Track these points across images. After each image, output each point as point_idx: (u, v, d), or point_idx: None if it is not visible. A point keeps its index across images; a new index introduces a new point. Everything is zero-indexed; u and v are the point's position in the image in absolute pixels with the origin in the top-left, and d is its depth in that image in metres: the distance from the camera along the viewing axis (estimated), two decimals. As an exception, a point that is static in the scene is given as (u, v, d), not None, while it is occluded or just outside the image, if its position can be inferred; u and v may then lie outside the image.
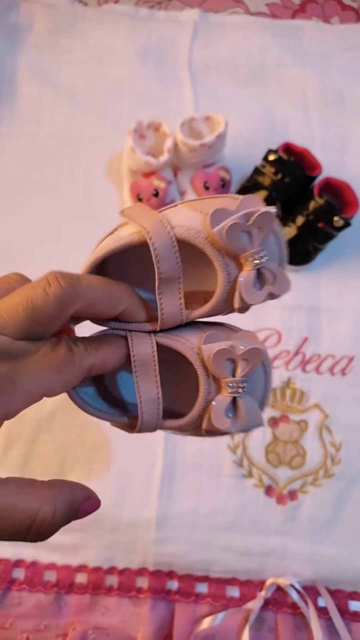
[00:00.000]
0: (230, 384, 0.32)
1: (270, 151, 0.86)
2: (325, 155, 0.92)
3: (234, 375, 0.32)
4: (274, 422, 0.82)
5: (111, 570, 0.76)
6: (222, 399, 0.32)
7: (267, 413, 0.82)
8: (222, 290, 0.32)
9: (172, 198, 0.89)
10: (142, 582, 0.75)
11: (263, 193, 0.86)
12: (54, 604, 0.74)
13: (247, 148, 0.94)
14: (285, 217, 0.86)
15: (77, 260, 0.87)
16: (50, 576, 0.75)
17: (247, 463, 0.80)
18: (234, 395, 0.32)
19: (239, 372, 0.32)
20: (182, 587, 0.75)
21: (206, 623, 0.72)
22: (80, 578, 0.75)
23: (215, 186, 0.87)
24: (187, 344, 0.33)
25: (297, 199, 0.86)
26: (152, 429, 0.35)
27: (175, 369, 0.36)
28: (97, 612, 0.74)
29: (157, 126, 0.87)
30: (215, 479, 0.79)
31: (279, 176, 0.84)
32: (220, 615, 0.73)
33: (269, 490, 0.79)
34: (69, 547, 0.76)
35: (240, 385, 0.32)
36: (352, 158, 0.96)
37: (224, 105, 0.97)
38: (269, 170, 0.85)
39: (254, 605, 0.74)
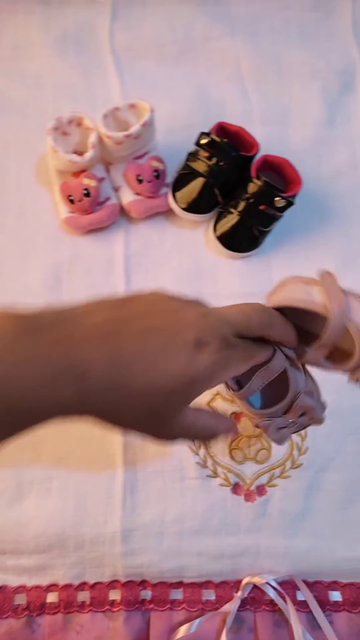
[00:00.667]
0: None
1: (202, 134, 0.81)
2: (267, 130, 0.88)
3: None
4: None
5: (82, 586, 0.74)
6: None
7: (228, 409, 0.78)
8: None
9: (107, 196, 0.84)
10: (115, 595, 0.74)
11: (200, 180, 0.81)
12: (27, 627, 0.73)
13: (182, 132, 0.89)
14: (226, 204, 0.82)
15: (12, 271, 0.83)
16: (21, 599, 0.73)
17: (211, 463, 0.77)
18: None
19: None
20: (156, 596, 0.74)
21: (182, 631, 0.71)
22: (51, 597, 0.73)
23: (149, 178, 0.82)
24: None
25: (238, 181, 0.81)
26: None
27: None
28: (71, 630, 0.73)
29: (79, 121, 0.82)
30: (179, 483, 0.76)
31: (214, 160, 0.80)
32: (196, 622, 0.71)
33: (236, 488, 0.76)
34: (35, 569, 0.74)
35: None
36: (295, 129, 0.91)
37: (153, 89, 0.92)
38: (203, 154, 0.80)
39: (231, 607, 0.72)
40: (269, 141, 0.86)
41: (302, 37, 0.97)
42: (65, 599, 0.73)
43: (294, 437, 0.78)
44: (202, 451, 0.77)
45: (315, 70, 0.95)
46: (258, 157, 0.82)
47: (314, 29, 0.97)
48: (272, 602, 0.73)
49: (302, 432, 0.78)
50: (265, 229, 0.82)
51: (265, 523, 0.76)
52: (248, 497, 0.77)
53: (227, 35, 0.95)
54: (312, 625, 0.73)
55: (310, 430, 0.78)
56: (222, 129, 0.84)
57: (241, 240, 0.83)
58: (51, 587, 0.74)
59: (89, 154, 0.79)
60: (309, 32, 0.97)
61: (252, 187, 0.78)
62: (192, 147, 0.84)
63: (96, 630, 0.73)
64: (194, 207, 0.83)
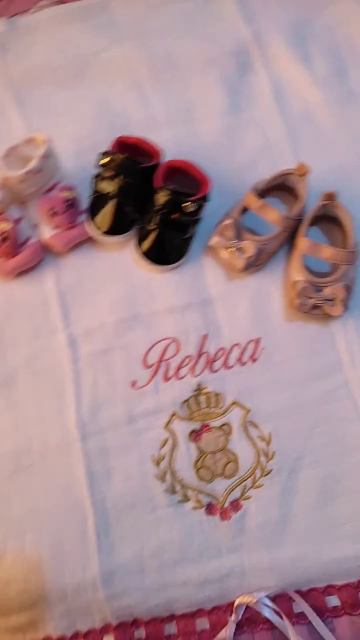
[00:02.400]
0: None
1: (101, 154, 0.75)
2: (174, 130, 0.82)
3: None
4: (195, 435, 0.73)
5: (76, 635, 0.69)
6: None
7: (186, 428, 0.74)
8: None
9: (27, 235, 0.79)
10: (109, 639, 0.70)
11: (112, 201, 0.76)
12: None
13: (91, 154, 0.82)
14: (142, 219, 0.76)
15: None
16: (20, 658, 0.70)
17: (179, 487, 0.72)
18: None
19: None
20: (150, 634, 0.68)
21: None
22: (48, 651, 0.70)
23: (62, 210, 0.77)
24: None
25: (148, 194, 0.75)
26: None
27: None
28: None
29: (-21, 166, 0.77)
30: (151, 515, 0.71)
31: (119, 178, 0.74)
32: (193, 654, 0.67)
33: (210, 509, 0.71)
34: (27, 626, 0.69)
35: None
36: (202, 123, 0.84)
37: (56, 116, 0.86)
38: (107, 174, 0.75)
39: (226, 633, 0.67)
40: (179, 141, 0.79)
41: (189, 27, 0.89)
42: None
43: (259, 442, 0.73)
44: (168, 476, 0.73)
45: (210, 57, 0.87)
46: (162, 164, 0.76)
47: (200, 17, 0.89)
48: (269, 620, 0.69)
49: (266, 435, 0.73)
50: (185, 236, 0.76)
51: (245, 540, 0.69)
52: (223, 515, 0.71)
53: (115, 44, 0.88)
54: (314, 636, 0.67)
55: (274, 432, 0.73)
56: (122, 144, 0.76)
57: (167, 252, 0.76)
58: None
59: (-5, 198, 0.75)
60: (195, 21, 0.89)
61: (160, 199, 0.71)
62: (96, 170, 0.79)
63: None
64: (113, 229, 0.76)
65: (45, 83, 0.89)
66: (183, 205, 0.70)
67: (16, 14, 0.95)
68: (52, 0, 0.94)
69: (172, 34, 0.88)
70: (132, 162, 0.73)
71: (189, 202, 0.70)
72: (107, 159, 0.74)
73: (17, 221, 0.78)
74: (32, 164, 0.74)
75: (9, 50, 0.91)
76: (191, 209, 0.70)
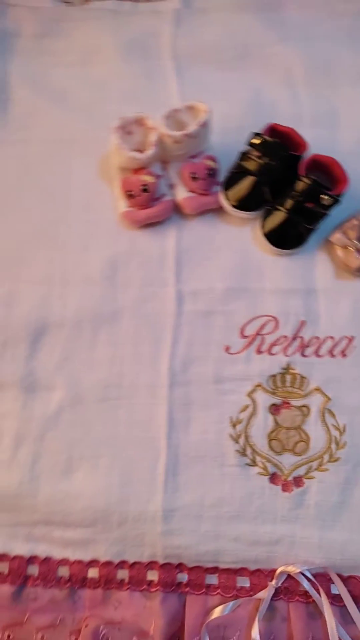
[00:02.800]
0: None
1: (254, 134, 0.81)
2: (316, 132, 0.87)
3: None
4: (275, 408, 0.78)
5: (122, 564, 0.74)
6: None
7: (268, 400, 0.78)
8: None
9: (162, 192, 0.86)
10: (153, 576, 0.73)
11: (250, 178, 0.81)
12: (69, 598, 0.74)
13: (235, 133, 0.89)
14: (275, 202, 0.82)
15: (75, 261, 0.86)
16: (64, 572, 0.74)
17: (250, 452, 0.77)
18: None
19: None
20: (192, 580, 0.73)
21: (217, 612, 0.70)
22: (92, 573, 0.74)
23: (203, 176, 0.83)
24: None
25: (285, 181, 0.81)
26: None
27: None
28: (110, 605, 0.73)
29: (142, 121, 0.84)
30: (219, 469, 0.76)
31: (265, 159, 0.80)
32: (231, 604, 0.71)
33: (273, 478, 0.76)
34: (79, 543, 0.75)
35: None
36: (343, 131, 0.90)
37: (210, 92, 0.91)
38: (254, 154, 0.80)
39: (265, 594, 0.71)
40: (318, 143, 0.84)
41: (351, 42, 0.95)
42: (105, 575, 0.73)
43: (333, 430, 0.77)
44: (242, 439, 0.78)
45: None
46: (307, 156, 0.82)
47: None
48: (305, 594, 0.71)
49: (341, 425, 0.77)
50: (311, 227, 0.80)
51: (301, 514, 0.74)
52: (285, 487, 0.76)
53: (281, 42, 0.95)
54: (346, 620, 0.70)
55: (349, 425, 0.77)
56: (274, 130, 0.83)
57: (287, 237, 0.82)
58: (92, 562, 0.74)
59: (149, 152, 0.80)
60: (358, 37, 0.96)
61: (300, 185, 0.77)
62: (244, 148, 0.86)
63: (134, 607, 0.72)
64: (243, 204, 0.82)
65: (208, 61, 0.96)
66: (321, 196, 0.75)
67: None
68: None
69: (333, 43, 0.94)
70: (281, 148, 0.79)
71: (327, 195, 0.75)
72: (258, 140, 0.80)
73: (157, 177, 0.84)
74: (191, 129, 0.80)
75: (181, 25, 0.98)
76: (327, 202, 0.76)
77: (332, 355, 0.80)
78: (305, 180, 0.76)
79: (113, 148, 0.83)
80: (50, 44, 1.00)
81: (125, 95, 0.95)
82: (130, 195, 0.84)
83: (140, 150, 0.84)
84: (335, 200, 0.76)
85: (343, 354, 0.80)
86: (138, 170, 0.84)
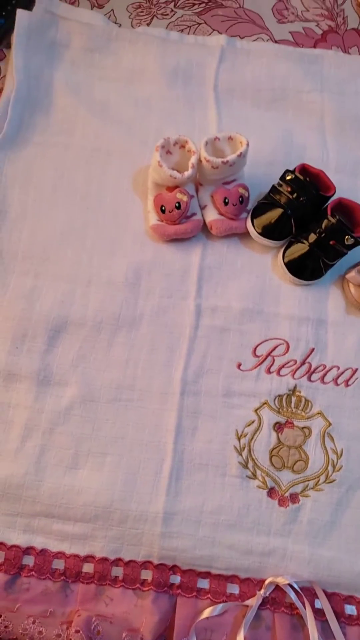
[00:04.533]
0: None
1: (287, 171, 0.92)
2: (339, 178, 0.97)
3: None
4: (279, 427, 0.86)
5: (117, 561, 0.79)
6: None
7: (273, 418, 0.87)
8: None
9: (193, 211, 0.94)
10: (147, 575, 0.78)
11: (279, 210, 0.91)
12: (61, 591, 0.77)
13: (265, 167, 0.99)
14: (299, 234, 0.92)
15: (101, 264, 0.93)
16: (59, 564, 0.78)
17: (252, 465, 0.84)
18: None
19: None
20: (184, 582, 0.78)
21: (206, 612, 0.75)
22: (87, 568, 0.78)
23: (234, 202, 0.93)
24: None
25: (311, 217, 0.90)
26: None
27: None
28: (101, 601, 0.77)
29: (183, 143, 0.92)
30: (220, 479, 0.82)
31: (295, 195, 0.90)
32: (220, 606, 0.76)
33: (271, 492, 0.83)
34: (77, 537, 0.79)
35: None
36: (364, 181, 1.02)
37: (245, 126, 1.02)
38: (286, 189, 0.91)
39: (253, 602, 0.78)
40: (341, 187, 0.94)
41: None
42: (100, 571, 0.77)
43: (331, 454, 0.86)
44: (245, 452, 0.85)
45: None
46: (333, 198, 0.93)
47: None
48: (291, 606, 0.77)
49: (338, 450, 0.86)
50: (330, 263, 0.90)
51: (294, 529, 0.80)
52: (282, 502, 0.83)
53: (317, 92, 1.06)
54: (327, 634, 0.75)
55: (346, 450, 0.85)
56: (304, 170, 0.92)
57: (306, 269, 0.90)
58: (88, 557, 0.78)
59: (188, 173, 0.89)
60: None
61: (326, 223, 0.86)
62: (273, 181, 0.93)
63: (125, 605, 0.76)
64: (269, 233, 0.91)
65: (246, 97, 1.06)
66: (346, 237, 0.86)
67: (235, 36, 1.14)
68: (269, 37, 1.14)
69: (366, 101, 1.07)
70: (312, 186, 0.89)
71: (351, 236, 0.86)
72: (292, 176, 0.90)
73: (190, 197, 0.93)
74: (230, 158, 0.89)
75: (224, 61, 1.09)
76: (349, 242, 0.86)
77: (336, 384, 0.89)
78: (332, 219, 0.87)
79: (153, 164, 0.92)
80: (97, 59, 1.09)
81: (165, 116, 1.04)
82: (162, 210, 0.93)
83: (177, 170, 0.93)
84: (357, 242, 0.87)
85: (346, 383, 0.89)
86: (172, 188, 0.93)
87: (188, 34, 1.15)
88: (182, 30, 1.15)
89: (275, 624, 0.77)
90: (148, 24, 1.15)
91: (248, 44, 1.12)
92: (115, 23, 1.15)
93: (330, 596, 0.79)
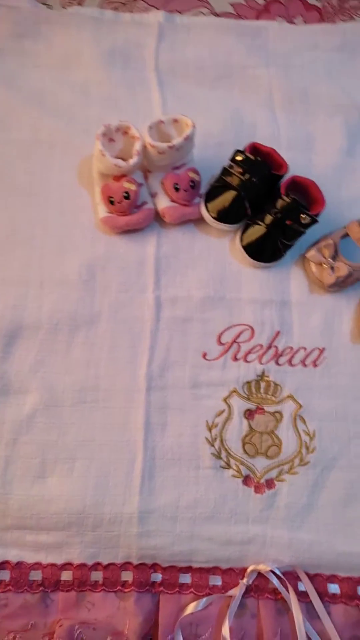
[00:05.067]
0: None
1: (237, 151, 0.93)
2: (292, 154, 1.00)
3: None
4: (249, 413, 0.88)
5: (96, 566, 0.81)
6: None
7: (243, 405, 0.88)
8: None
9: (143, 200, 0.95)
10: (127, 576, 0.81)
11: (232, 193, 0.93)
12: (41, 602, 0.79)
13: (215, 149, 1.01)
14: (255, 216, 0.93)
15: (52, 263, 0.93)
16: (36, 576, 0.80)
17: (225, 455, 0.86)
18: None
19: None
20: (165, 579, 0.81)
21: (190, 608, 0.78)
22: (66, 575, 0.80)
23: (185, 187, 0.93)
24: None
25: (265, 197, 0.93)
26: None
27: None
28: (83, 608, 0.79)
29: (126, 129, 0.93)
30: (194, 471, 0.85)
31: (247, 176, 0.91)
32: (204, 600, 0.79)
33: (247, 480, 0.85)
34: (53, 546, 0.81)
35: None
36: (317, 156, 1.04)
37: (191, 107, 1.03)
38: (237, 170, 0.92)
39: (236, 592, 0.80)
40: (294, 165, 0.97)
41: (329, 74, 1.10)
42: (79, 578, 0.80)
43: (303, 436, 0.88)
44: (217, 442, 0.87)
45: (339, 104, 1.08)
46: (287, 177, 0.94)
47: (340, 68, 1.11)
48: (274, 591, 0.81)
49: (311, 431, 0.88)
50: (288, 243, 0.92)
51: (272, 515, 0.84)
52: (257, 489, 0.86)
53: (262, 66, 1.08)
54: (312, 615, 0.80)
55: (318, 431, 0.88)
56: (255, 149, 0.95)
57: (265, 251, 0.93)
58: (66, 565, 0.80)
59: (133, 160, 0.90)
60: (335, 70, 1.11)
61: (281, 203, 0.89)
62: (224, 163, 0.95)
63: (107, 609, 0.79)
64: (224, 217, 0.94)
65: (189, 77, 1.08)
66: (301, 215, 0.87)
67: (173, 11, 1.13)
68: (210, 10, 1.13)
69: (313, 74, 1.09)
70: (264, 166, 0.91)
71: (306, 215, 0.87)
72: (242, 157, 0.91)
73: (139, 185, 0.93)
74: (176, 141, 0.90)
75: (164, 39, 1.10)
76: (306, 221, 0.88)
77: (304, 365, 0.91)
78: (286, 199, 0.88)
79: (96, 154, 0.91)
80: (28, 45, 1.08)
81: (106, 102, 1.05)
82: (111, 202, 0.92)
83: (122, 158, 0.93)
84: (314, 220, 0.88)
85: (314, 364, 0.91)
86: (119, 177, 0.93)
87: (123, 12, 1.13)
88: (116, 8, 1.14)
89: (260, 611, 0.81)
90: (80, 3, 1.13)
91: (188, 19, 1.13)
92: (44, 4, 1.12)
93: (313, 577, 0.83)
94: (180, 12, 1.14)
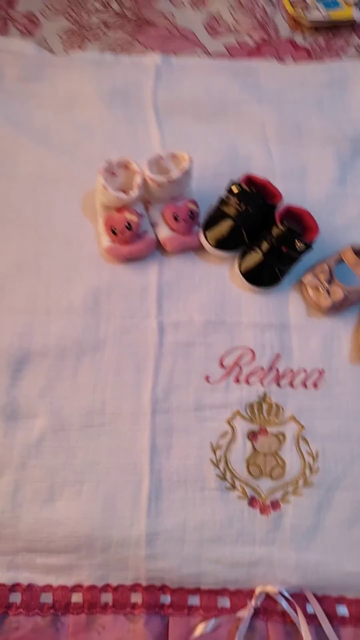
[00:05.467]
0: None
1: (233, 183, 0.98)
2: (286, 184, 1.05)
3: None
4: (253, 435, 0.91)
5: (105, 587, 0.82)
6: None
7: (246, 427, 0.91)
8: None
9: (144, 230, 0.99)
10: (136, 598, 0.82)
11: (229, 222, 0.97)
12: (51, 625, 0.80)
13: (212, 180, 1.06)
14: (252, 243, 0.98)
15: (58, 292, 0.97)
16: (47, 598, 0.81)
17: (230, 476, 0.88)
18: None
19: None
20: (174, 601, 0.82)
21: (199, 630, 0.79)
22: (76, 598, 0.81)
23: (185, 217, 0.98)
24: None
25: (261, 226, 0.97)
26: None
27: None
28: (94, 631, 0.80)
29: (126, 164, 0.98)
30: (200, 493, 0.87)
31: (243, 206, 0.96)
32: (213, 621, 0.80)
33: (252, 502, 0.87)
34: (63, 568, 0.82)
35: None
36: (310, 185, 1.09)
37: (188, 142, 1.09)
38: (233, 201, 0.97)
39: (245, 614, 0.81)
40: (288, 194, 1.02)
41: (319, 108, 1.17)
42: (89, 600, 0.81)
43: (307, 457, 0.90)
44: (222, 464, 0.89)
45: (330, 136, 1.13)
46: (281, 205, 0.99)
47: (330, 102, 1.17)
48: (283, 613, 0.81)
49: (314, 452, 0.90)
50: (285, 268, 0.97)
51: (278, 536, 0.85)
52: (263, 510, 0.87)
53: (255, 102, 1.14)
54: (321, 638, 0.81)
55: (321, 452, 0.90)
56: (250, 180, 1.00)
57: (263, 276, 0.97)
58: (76, 587, 0.82)
59: (134, 193, 0.95)
60: (326, 104, 1.17)
61: (276, 231, 0.94)
62: (221, 193, 1.00)
63: (117, 631, 0.80)
64: (222, 244, 0.98)
65: (186, 113, 1.14)
66: (296, 242, 0.92)
67: (169, 53, 1.21)
68: (203, 50, 1.21)
69: (304, 108, 1.15)
70: (259, 197, 0.96)
71: (301, 242, 0.92)
72: (238, 189, 0.96)
73: (140, 216, 0.98)
74: (175, 175, 0.95)
75: (161, 79, 1.17)
76: (300, 248, 0.92)
77: (305, 387, 0.94)
78: (281, 227, 0.93)
79: (98, 187, 0.97)
80: (33, 87, 1.15)
81: (108, 139, 1.11)
82: (113, 232, 0.97)
83: (123, 191, 0.98)
84: (308, 246, 0.93)
85: (315, 385, 0.94)
86: (121, 209, 0.98)
87: (122, 54, 1.20)
88: (115, 51, 1.20)
89: (269, 634, 0.81)
90: (81, 48, 1.20)
91: (183, 60, 1.20)
92: (48, 50, 1.19)
93: (321, 599, 0.84)
94: (175, 54, 1.22)
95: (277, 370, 0.95)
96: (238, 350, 0.96)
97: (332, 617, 0.82)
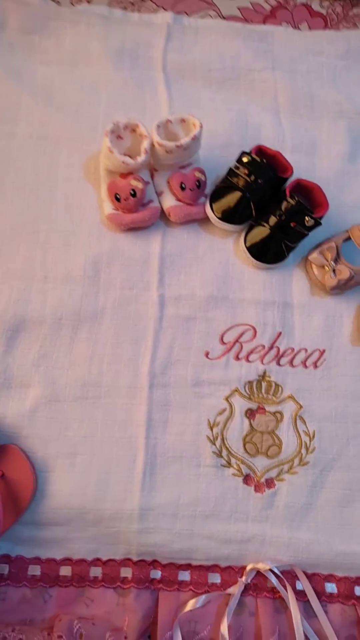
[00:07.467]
0: None
1: (243, 153, 0.95)
2: (296, 158, 1.02)
3: None
4: (250, 413, 0.90)
5: (95, 561, 0.82)
6: None
7: (244, 405, 0.91)
8: None
9: (150, 198, 0.97)
10: (126, 573, 0.82)
11: (237, 194, 0.95)
12: (39, 597, 0.80)
13: (221, 150, 1.03)
14: (259, 217, 0.96)
15: (56, 258, 0.95)
16: (35, 570, 0.81)
17: (226, 453, 0.88)
18: None
19: None
20: (165, 576, 0.82)
21: (189, 605, 0.80)
22: (65, 571, 0.81)
23: (191, 186, 0.96)
24: None
25: (270, 199, 0.95)
26: None
27: None
28: (82, 603, 0.80)
29: (134, 127, 0.95)
30: (195, 469, 0.86)
31: (252, 177, 0.94)
32: (203, 597, 0.81)
33: (247, 479, 0.88)
34: (52, 541, 0.81)
35: None
36: (321, 160, 1.06)
37: (198, 108, 1.06)
38: (243, 171, 0.94)
39: (235, 590, 0.82)
40: (297, 168, 0.99)
41: (334, 80, 1.13)
42: (78, 573, 0.81)
43: (303, 436, 0.91)
44: (218, 441, 0.89)
45: (343, 110, 1.10)
46: (291, 179, 0.97)
47: (344, 74, 1.13)
48: (273, 590, 0.82)
49: (311, 432, 0.91)
50: (292, 245, 0.95)
51: (271, 514, 0.85)
52: (258, 488, 0.88)
53: (268, 70, 1.10)
54: (309, 614, 0.82)
55: (318, 432, 0.90)
56: (261, 151, 0.97)
57: (268, 252, 0.95)
58: (65, 561, 0.81)
59: (141, 158, 0.91)
60: (340, 76, 1.13)
61: (286, 205, 0.91)
62: (230, 164, 0.97)
63: (106, 605, 0.80)
64: (228, 217, 0.95)
65: (197, 78, 1.09)
66: (305, 218, 0.90)
67: (181, 12, 1.17)
68: (217, 13, 1.17)
69: (317, 79, 1.11)
70: (270, 168, 0.93)
71: (311, 217, 0.90)
72: (248, 159, 0.94)
73: (145, 183, 0.96)
74: (184, 141, 0.92)
75: (171, 40, 1.12)
76: (309, 224, 0.91)
77: (305, 366, 0.94)
78: (291, 201, 0.91)
79: (104, 151, 0.93)
80: (37, 40, 1.09)
81: (114, 100, 1.06)
82: (117, 199, 0.95)
83: (129, 156, 0.95)
84: (317, 223, 0.91)
85: (315, 365, 0.94)
86: (126, 174, 0.95)
87: (132, 11, 1.16)
88: (125, 8, 1.16)
89: (258, 609, 0.82)
90: (89, 1, 1.16)
91: (195, 22, 1.15)
92: (54, 1, 1.15)
93: (310, 576, 0.85)
94: (187, 14, 1.18)
95: (278, 348, 0.94)
96: (239, 327, 0.95)
97: (320, 594, 0.83)
